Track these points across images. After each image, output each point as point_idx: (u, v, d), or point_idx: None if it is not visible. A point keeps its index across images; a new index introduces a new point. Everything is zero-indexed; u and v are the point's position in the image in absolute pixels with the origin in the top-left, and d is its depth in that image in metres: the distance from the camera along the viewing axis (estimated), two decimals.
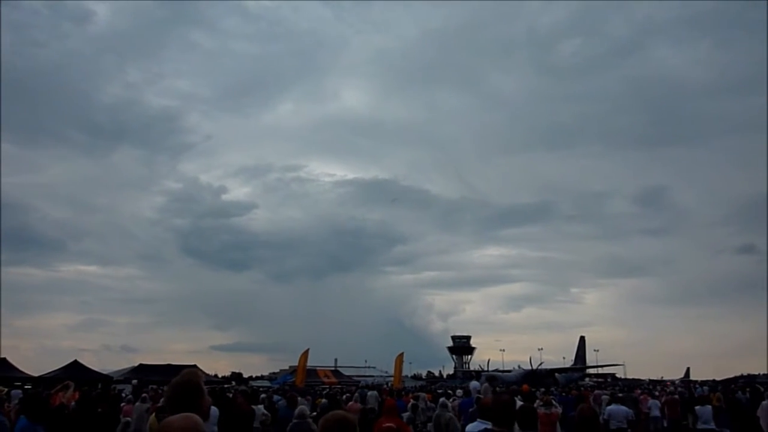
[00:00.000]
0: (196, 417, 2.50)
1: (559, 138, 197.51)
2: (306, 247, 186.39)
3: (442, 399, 13.62)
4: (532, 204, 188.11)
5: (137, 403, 15.80)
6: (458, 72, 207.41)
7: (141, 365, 53.18)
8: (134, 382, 40.60)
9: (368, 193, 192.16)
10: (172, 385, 3.09)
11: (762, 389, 25.41)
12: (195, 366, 44.16)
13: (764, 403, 16.29)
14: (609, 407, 14.94)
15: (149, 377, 44.87)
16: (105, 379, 42.23)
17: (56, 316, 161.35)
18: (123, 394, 24.82)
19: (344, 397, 23.46)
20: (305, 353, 48.23)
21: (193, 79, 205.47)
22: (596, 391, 30.25)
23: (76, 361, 42.40)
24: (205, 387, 3.14)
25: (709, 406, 15.10)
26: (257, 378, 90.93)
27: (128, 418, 11.90)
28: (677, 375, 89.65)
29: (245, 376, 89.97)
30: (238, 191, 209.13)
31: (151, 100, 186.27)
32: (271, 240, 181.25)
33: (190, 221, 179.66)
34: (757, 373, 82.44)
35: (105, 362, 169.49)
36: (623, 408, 14.89)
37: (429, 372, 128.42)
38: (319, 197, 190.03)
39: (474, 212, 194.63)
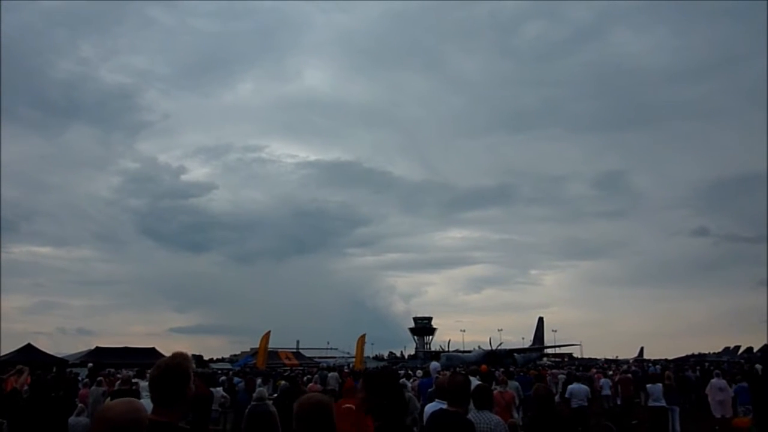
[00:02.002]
0: (138, 403, 2.37)
1: (520, 121, 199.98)
2: (267, 228, 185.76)
3: (401, 379, 13.76)
4: (493, 187, 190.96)
5: (93, 387, 15.54)
6: (421, 54, 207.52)
7: (97, 348, 52.01)
8: (90, 365, 39.78)
9: (330, 175, 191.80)
10: (161, 366, 2.81)
11: (712, 368, 26.38)
12: (153, 349, 43.69)
13: (713, 381, 16.94)
14: (570, 386, 15.37)
15: (106, 360, 44.06)
16: (60, 362, 41.20)
17: (8, 299, 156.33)
18: (79, 378, 24.38)
19: (305, 378, 23.52)
20: (266, 335, 47.99)
21: (150, 56, 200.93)
22: (553, 371, 31.04)
23: (29, 345, 41.27)
24: (193, 373, 2.87)
25: (660, 384, 15.54)
26: (218, 360, 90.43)
27: (82, 404, 11.69)
28: (632, 354, 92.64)
29: (206, 358, 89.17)
30: (197, 172, 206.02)
31: (105, 76, 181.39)
32: (232, 221, 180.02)
33: (148, 202, 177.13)
34: (707, 352, 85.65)
35: (60, 345, 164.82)
36: (584, 387, 15.30)
37: (391, 353, 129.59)
38: (280, 178, 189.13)
39: (436, 195, 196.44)
